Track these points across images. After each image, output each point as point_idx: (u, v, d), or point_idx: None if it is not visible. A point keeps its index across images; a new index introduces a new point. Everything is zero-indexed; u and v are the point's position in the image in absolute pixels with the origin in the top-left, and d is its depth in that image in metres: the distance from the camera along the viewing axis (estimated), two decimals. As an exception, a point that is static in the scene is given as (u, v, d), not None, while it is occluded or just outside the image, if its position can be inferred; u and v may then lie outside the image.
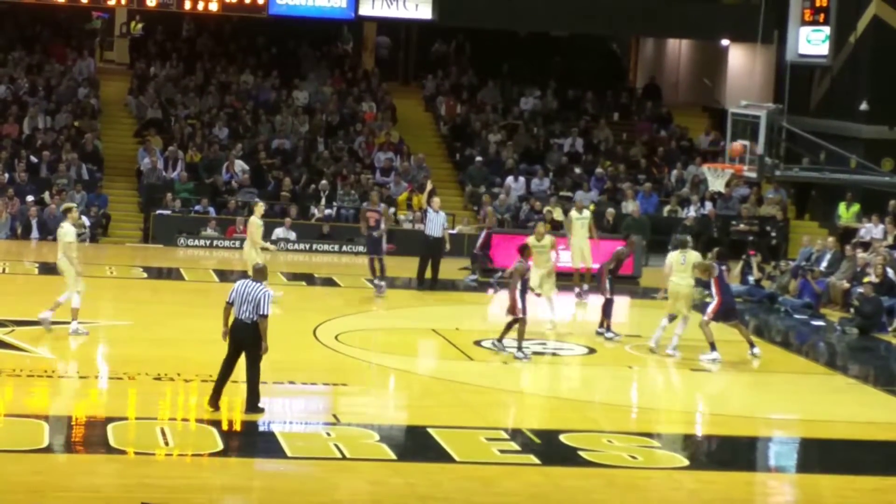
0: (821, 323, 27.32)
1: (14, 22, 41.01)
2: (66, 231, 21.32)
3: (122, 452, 15.44)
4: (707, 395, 20.84)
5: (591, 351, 22.50)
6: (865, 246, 30.89)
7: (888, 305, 26.80)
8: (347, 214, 35.21)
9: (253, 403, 17.08)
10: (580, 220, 27.71)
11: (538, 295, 23.81)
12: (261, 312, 16.85)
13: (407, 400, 19.61)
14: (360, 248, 33.57)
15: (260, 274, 17.45)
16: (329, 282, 29.26)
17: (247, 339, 16.96)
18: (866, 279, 27.80)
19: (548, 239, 24.91)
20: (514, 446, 16.35)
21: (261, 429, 17.11)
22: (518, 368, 21.24)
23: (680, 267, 22.32)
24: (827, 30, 33.17)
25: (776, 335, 26.32)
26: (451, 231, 31.13)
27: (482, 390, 19.54)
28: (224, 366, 17.18)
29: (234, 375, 17.24)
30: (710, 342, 22.00)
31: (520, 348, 21.22)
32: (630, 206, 35.09)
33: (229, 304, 17.18)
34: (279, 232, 33.68)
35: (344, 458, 15.57)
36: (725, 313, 22.08)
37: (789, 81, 31.17)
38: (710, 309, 22.09)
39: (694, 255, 22.44)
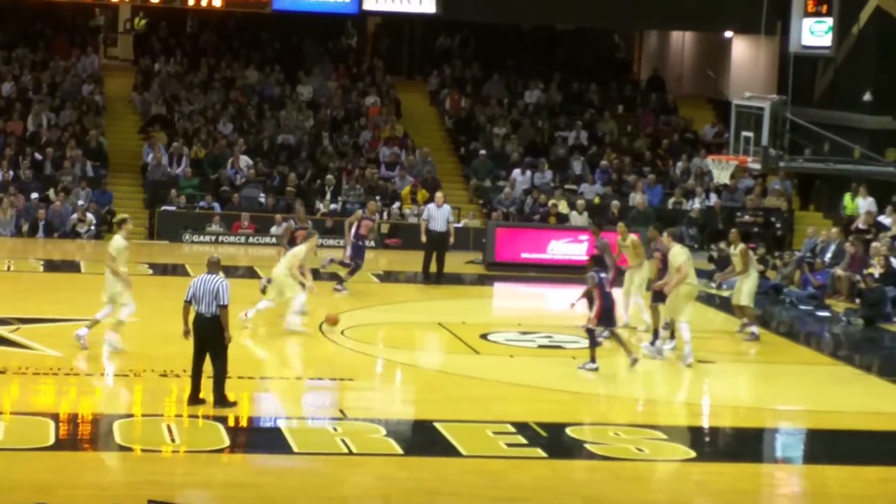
0: (826, 313, 27.31)
1: (17, 19, 41.00)
2: (113, 244, 20.21)
3: (129, 450, 15.47)
4: (713, 387, 20.82)
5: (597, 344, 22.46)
6: (862, 233, 31.01)
7: (893, 295, 26.79)
8: (353, 209, 35.19)
9: (221, 397, 17.11)
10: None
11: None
12: (220, 303, 16.90)
13: (413, 394, 19.61)
14: (368, 244, 33.59)
15: (215, 266, 17.42)
16: (334, 276, 29.23)
17: (209, 332, 16.99)
18: (869, 269, 27.81)
19: (630, 238, 23.89)
20: (521, 440, 16.36)
21: (267, 425, 17.15)
22: (524, 362, 21.25)
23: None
24: (830, 21, 33.16)
25: (781, 326, 26.31)
26: (456, 225, 31.11)
27: (488, 384, 19.55)
28: (194, 363, 17.22)
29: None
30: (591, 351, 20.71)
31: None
32: (637, 198, 35.09)
33: (188, 303, 17.16)
34: (273, 229, 33.72)
35: (351, 453, 15.59)
36: (607, 318, 20.68)
37: (793, 72, 31.16)
38: (592, 314, 20.55)
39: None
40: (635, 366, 20.49)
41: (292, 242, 24.37)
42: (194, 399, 17.12)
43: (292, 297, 22.44)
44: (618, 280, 23.53)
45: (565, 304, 22.16)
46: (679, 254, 21.50)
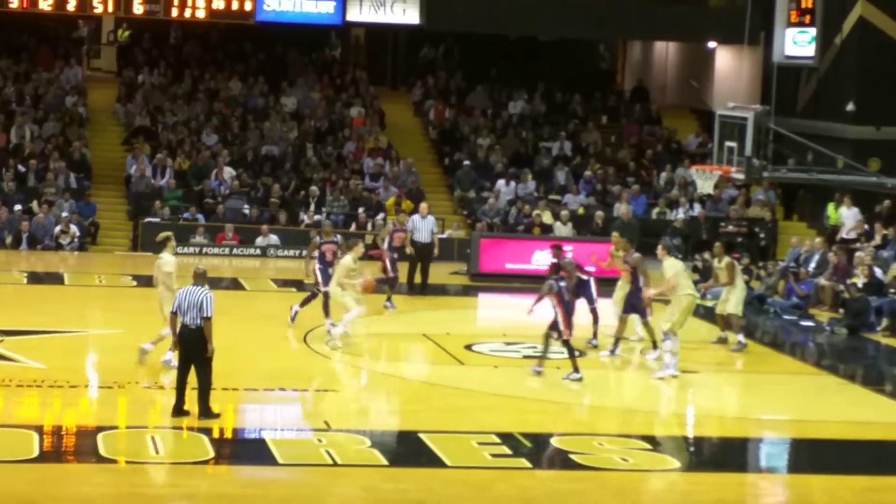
0: (810, 323, 27.36)
1: (0, 31, 40.93)
2: (165, 261, 20.22)
3: (113, 461, 15.43)
4: (697, 397, 20.85)
5: (581, 354, 22.47)
6: (846, 242, 31.07)
7: (876, 305, 26.85)
8: (337, 220, 35.20)
9: (205, 408, 17.13)
10: None
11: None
12: (204, 315, 16.98)
13: (398, 405, 19.60)
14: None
15: (201, 278, 17.49)
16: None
17: (193, 344, 17.08)
18: (853, 279, 27.87)
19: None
20: (506, 450, 16.36)
21: (251, 436, 17.13)
22: (508, 372, 21.25)
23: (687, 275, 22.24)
24: (813, 31, 33.27)
25: (766, 336, 26.34)
26: (440, 235, 31.10)
27: (473, 395, 19.55)
28: (179, 374, 17.31)
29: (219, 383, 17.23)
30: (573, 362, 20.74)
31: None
32: (621, 209, 35.11)
33: (174, 314, 17.31)
34: (259, 240, 33.70)
35: (335, 464, 15.57)
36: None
37: (776, 83, 31.23)
38: (562, 327, 20.49)
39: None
40: (538, 376, 20.60)
41: (322, 257, 24.09)
42: (179, 411, 17.12)
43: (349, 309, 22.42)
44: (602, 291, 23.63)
45: (533, 312, 22.04)
46: (670, 266, 21.59)
